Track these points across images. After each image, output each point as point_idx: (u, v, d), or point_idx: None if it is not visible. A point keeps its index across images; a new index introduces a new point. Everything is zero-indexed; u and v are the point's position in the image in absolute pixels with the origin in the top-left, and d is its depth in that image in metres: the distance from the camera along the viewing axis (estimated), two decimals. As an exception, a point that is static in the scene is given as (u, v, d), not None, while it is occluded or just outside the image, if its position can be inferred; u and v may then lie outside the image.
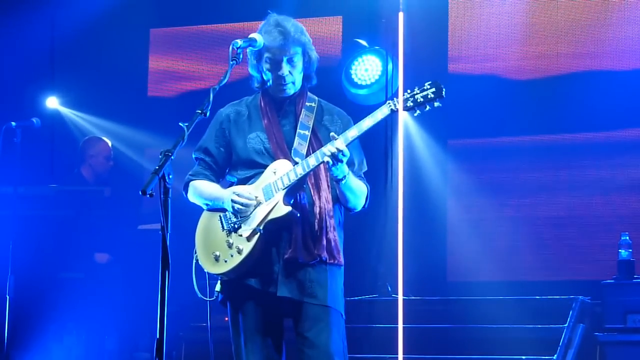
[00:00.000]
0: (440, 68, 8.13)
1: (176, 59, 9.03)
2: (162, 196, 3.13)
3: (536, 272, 7.58)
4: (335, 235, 3.93)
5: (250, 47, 3.90)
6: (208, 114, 3.46)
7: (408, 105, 3.80)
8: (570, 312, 6.47)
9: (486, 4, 8.13)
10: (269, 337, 3.95)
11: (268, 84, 4.00)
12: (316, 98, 4.10)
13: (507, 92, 7.74)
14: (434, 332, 6.69)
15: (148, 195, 3.06)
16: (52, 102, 8.68)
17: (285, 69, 3.93)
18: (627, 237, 6.61)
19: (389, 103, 3.81)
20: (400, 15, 7.65)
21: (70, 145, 7.91)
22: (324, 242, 3.87)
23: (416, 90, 3.82)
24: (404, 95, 3.80)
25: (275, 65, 3.94)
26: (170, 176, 3.15)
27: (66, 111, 8.76)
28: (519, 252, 7.70)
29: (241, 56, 3.81)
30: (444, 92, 3.77)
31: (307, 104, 4.04)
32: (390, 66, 7.78)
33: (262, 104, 4.03)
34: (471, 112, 7.75)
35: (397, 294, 7.07)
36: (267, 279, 3.87)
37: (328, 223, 3.88)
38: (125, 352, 7.33)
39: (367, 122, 3.82)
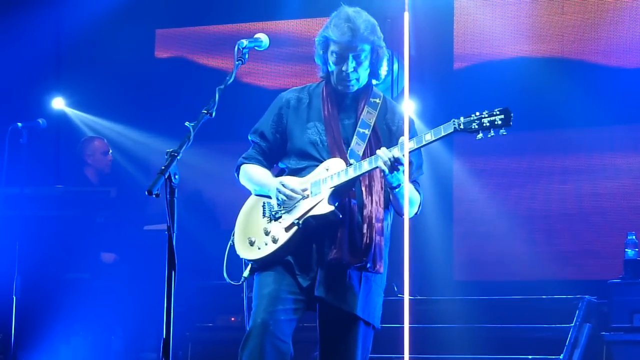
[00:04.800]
0: (445, 67, 8.13)
1: (182, 58, 9.04)
2: (168, 196, 3.11)
3: (542, 271, 7.56)
4: (381, 242, 3.82)
5: (256, 47, 3.81)
6: (214, 114, 3.44)
7: (473, 127, 3.69)
8: (577, 312, 6.46)
9: (491, 3, 8.13)
10: (288, 300, 3.79)
11: (332, 76, 3.91)
12: (381, 94, 4.00)
13: (512, 89, 7.72)
14: (440, 332, 6.68)
15: (154, 196, 3.04)
16: (58, 103, 8.69)
17: (350, 65, 3.84)
18: (634, 237, 6.60)
19: (453, 121, 3.72)
20: (406, 15, 7.64)
21: (76, 146, 7.92)
22: (372, 248, 3.77)
23: (484, 114, 3.69)
24: (471, 116, 3.70)
25: (341, 61, 3.85)
26: (177, 176, 3.13)
27: (72, 112, 8.77)
28: (525, 251, 7.68)
29: (247, 56, 3.74)
30: (511, 121, 3.64)
31: (372, 99, 3.94)
32: (395, 66, 7.76)
33: (324, 94, 3.94)
34: (477, 110, 7.73)
35: (403, 294, 7.08)
36: (305, 277, 3.78)
37: (376, 228, 3.79)
38: (132, 352, 7.34)
39: (428, 137, 3.73)
